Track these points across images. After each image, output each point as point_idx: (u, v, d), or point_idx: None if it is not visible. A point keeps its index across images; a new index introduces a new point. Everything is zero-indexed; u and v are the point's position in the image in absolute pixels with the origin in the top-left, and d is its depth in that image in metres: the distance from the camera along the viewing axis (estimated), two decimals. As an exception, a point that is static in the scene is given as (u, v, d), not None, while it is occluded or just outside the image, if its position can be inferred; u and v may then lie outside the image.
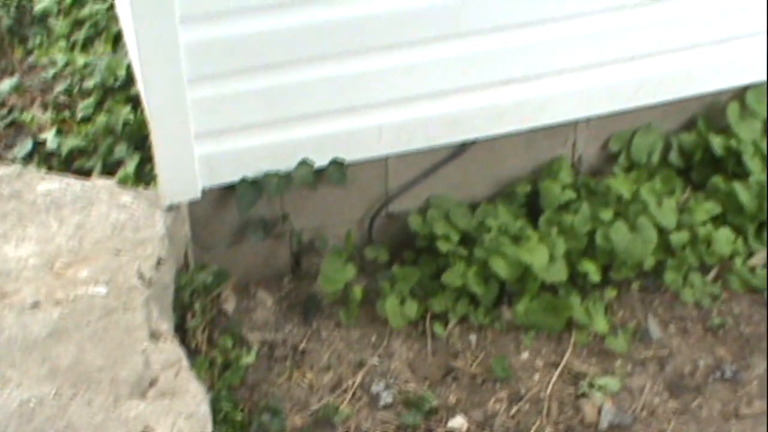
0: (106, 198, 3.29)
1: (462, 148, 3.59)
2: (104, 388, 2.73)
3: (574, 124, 3.70)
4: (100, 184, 3.36)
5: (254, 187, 3.38)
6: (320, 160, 3.43)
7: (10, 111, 4.39)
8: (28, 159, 4.06)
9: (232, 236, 3.55)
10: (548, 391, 3.31)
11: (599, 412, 3.24)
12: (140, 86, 3.24)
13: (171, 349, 2.90)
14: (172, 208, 3.33)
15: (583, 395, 3.29)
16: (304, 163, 3.40)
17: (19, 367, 2.77)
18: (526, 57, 3.44)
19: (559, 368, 3.37)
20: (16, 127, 4.31)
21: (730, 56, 3.68)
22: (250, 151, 3.34)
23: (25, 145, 4.10)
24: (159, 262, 3.12)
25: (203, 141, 3.26)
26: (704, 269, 3.60)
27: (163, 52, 3.05)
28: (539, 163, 3.75)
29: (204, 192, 3.37)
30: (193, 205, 3.43)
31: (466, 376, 3.37)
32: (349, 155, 3.44)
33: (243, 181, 3.37)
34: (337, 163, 3.43)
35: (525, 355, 3.43)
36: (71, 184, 3.33)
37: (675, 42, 3.57)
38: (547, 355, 3.42)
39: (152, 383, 2.79)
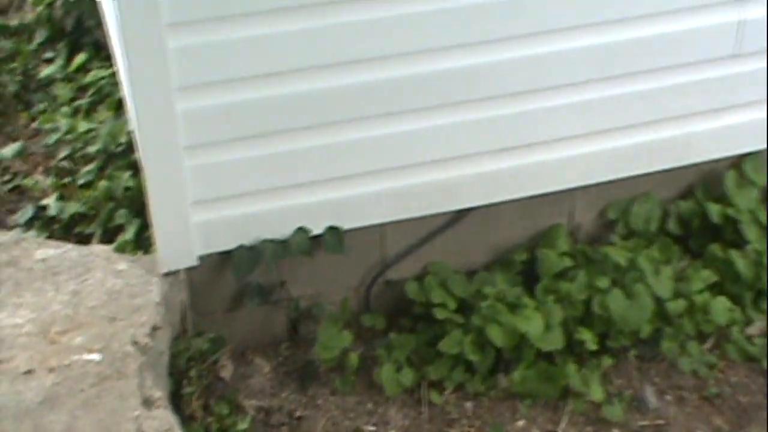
0: (103, 264, 3.31)
1: (459, 215, 3.61)
2: (95, 456, 2.73)
3: (571, 192, 3.71)
4: (96, 250, 3.38)
5: (251, 253, 3.39)
6: (317, 228, 3.44)
7: (13, 176, 4.43)
8: (29, 224, 4.08)
9: (230, 302, 3.55)
10: (544, 460, 3.30)
11: (595, 482, 3.23)
12: (139, 153, 3.26)
13: (164, 416, 2.89)
14: (169, 275, 3.35)
15: (579, 464, 3.28)
16: (300, 230, 3.41)
17: (11, 435, 2.77)
18: (522, 126, 3.47)
19: (556, 437, 3.35)
20: (19, 192, 4.35)
21: (729, 125, 3.70)
22: (246, 219, 3.36)
23: (27, 211, 4.13)
24: (154, 329, 3.13)
25: (200, 208, 3.28)
26: (701, 338, 3.59)
27: (160, 120, 3.10)
28: (537, 230, 3.76)
29: (201, 258, 3.39)
30: (190, 270, 3.44)
31: (462, 444, 3.36)
32: (347, 223, 3.46)
33: (240, 248, 3.38)
34: (333, 230, 3.44)
35: (521, 422, 3.41)
36: (68, 250, 3.35)
37: (673, 111, 3.60)
38: (543, 423, 3.40)
39: (145, 452, 2.79)
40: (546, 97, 3.43)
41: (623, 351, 3.56)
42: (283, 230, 3.41)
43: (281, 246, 3.40)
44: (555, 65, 3.38)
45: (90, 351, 3.01)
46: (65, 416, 2.82)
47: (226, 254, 3.42)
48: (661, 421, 3.39)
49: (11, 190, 4.36)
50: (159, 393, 2.98)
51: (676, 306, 3.54)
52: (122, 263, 3.32)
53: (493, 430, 3.35)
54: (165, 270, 3.33)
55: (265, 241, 3.39)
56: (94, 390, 2.91)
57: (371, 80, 3.23)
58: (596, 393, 3.41)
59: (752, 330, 3.59)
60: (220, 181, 3.27)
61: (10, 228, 4.09)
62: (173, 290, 3.36)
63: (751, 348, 3.54)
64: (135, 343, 3.05)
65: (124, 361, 2.99)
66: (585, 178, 3.64)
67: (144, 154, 3.16)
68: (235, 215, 3.35)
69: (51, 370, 2.94)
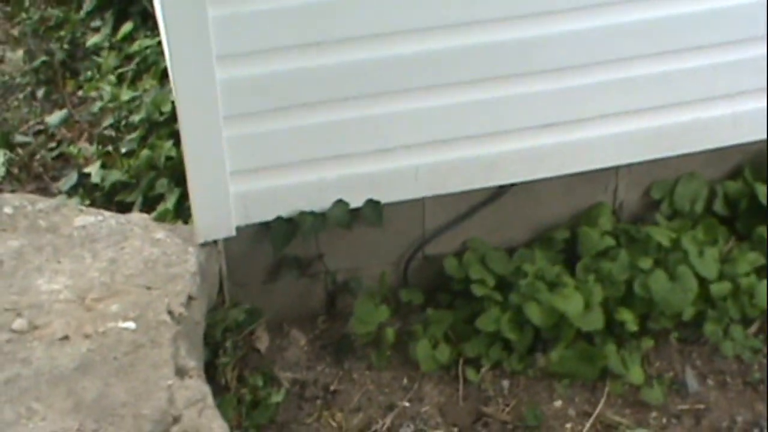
0: (141, 233, 3.30)
1: (500, 191, 3.56)
2: (127, 423, 2.72)
3: (615, 170, 3.65)
4: (135, 219, 3.38)
5: (289, 225, 3.37)
6: (356, 201, 3.41)
7: (59, 143, 4.46)
8: (72, 191, 4.10)
9: (267, 274, 3.54)
10: (580, 441, 3.26)
11: (631, 464, 3.18)
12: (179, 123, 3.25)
13: (196, 387, 2.88)
14: (206, 245, 3.34)
15: (616, 446, 3.23)
16: (339, 202, 3.39)
17: (45, 400, 2.77)
18: (566, 102, 3.40)
19: (592, 418, 3.30)
20: (63, 160, 4.38)
21: (780, 104, 3.62)
22: (285, 190, 3.34)
23: (71, 178, 4.16)
24: (190, 299, 3.12)
25: (238, 179, 3.26)
26: (746, 322, 3.52)
27: (200, 90, 3.07)
28: (579, 208, 3.70)
29: (240, 229, 3.37)
30: (228, 241, 3.43)
31: (497, 422, 3.32)
32: (385, 196, 3.43)
33: (278, 219, 3.37)
34: (372, 204, 3.41)
35: (558, 403, 3.37)
36: (107, 218, 3.35)
37: (721, 89, 3.51)
38: (581, 404, 3.36)
39: (176, 420, 2.77)
40: (590, 73, 3.36)
41: (664, 333, 3.50)
42: (321, 203, 3.39)
43: (320, 218, 3.38)
44: (600, 40, 3.30)
45: (125, 319, 3.01)
46: (99, 383, 2.82)
47: (265, 226, 3.40)
48: (701, 406, 3.34)
49: (56, 158, 4.39)
50: (192, 363, 2.98)
51: (720, 288, 3.47)
52: (160, 232, 3.31)
53: (529, 410, 3.31)
54: (202, 240, 3.32)
55: (304, 213, 3.37)
56: (127, 358, 2.91)
57: (412, 52, 3.18)
58: (635, 375, 3.36)
59: (797, 315, 3.52)
60: (258, 152, 3.25)
61: (54, 195, 4.13)
62: (210, 261, 3.35)
63: (797, 333, 3.47)
64: (170, 312, 3.05)
65: (158, 330, 2.99)
66: (628, 157, 3.57)
67: (183, 123, 3.14)
68: (273, 186, 3.33)
69: (86, 336, 2.95)
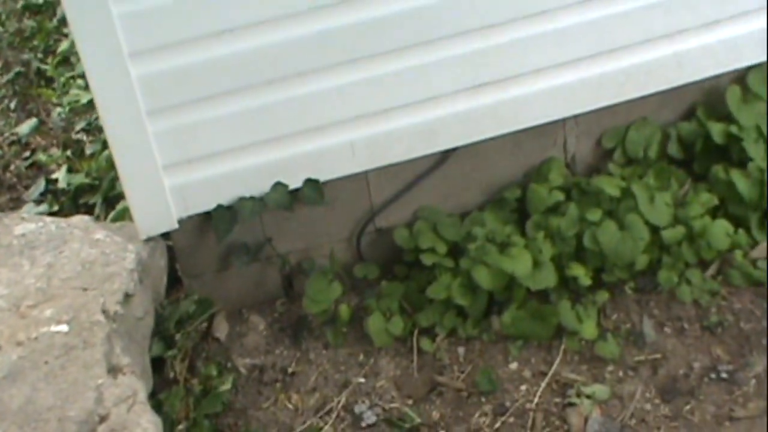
0: (81, 235, 3.33)
1: (444, 156, 3.52)
2: (51, 427, 2.73)
3: (562, 123, 3.58)
4: (75, 221, 3.40)
5: (229, 212, 3.37)
6: (296, 182, 3.40)
7: (32, 152, 4.52)
8: (41, 198, 4.16)
9: (219, 263, 3.55)
10: (534, 402, 3.20)
11: (586, 421, 3.12)
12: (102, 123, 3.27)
13: (128, 384, 2.90)
14: (149, 240, 3.35)
15: (571, 405, 3.16)
16: (278, 185, 3.37)
17: (-30, 411, 2.82)
18: (496, 59, 3.34)
19: (547, 378, 3.25)
20: (37, 168, 4.43)
21: (723, 39, 3.50)
22: (222, 178, 3.34)
23: (39, 186, 4.21)
24: (127, 296, 3.13)
25: (172, 172, 3.27)
26: (703, 266, 3.43)
27: (117, 89, 3.09)
28: (530, 166, 3.64)
29: (184, 221, 3.39)
30: (176, 234, 3.45)
31: (452, 391, 3.28)
32: (324, 174, 3.40)
33: (218, 208, 3.37)
34: (311, 183, 3.39)
35: (513, 365, 3.32)
36: (47, 224, 3.38)
37: (659, 30, 3.42)
38: (536, 364, 3.31)
39: (102, 419, 2.79)
40: (516, 29, 3.29)
41: (620, 285, 3.43)
42: (261, 186, 3.38)
43: (259, 202, 3.37)
44: (523, -7, 3.25)
45: (59, 322, 3.03)
46: (27, 389, 2.84)
47: (208, 215, 3.40)
48: (658, 355, 3.26)
49: (29, 167, 4.45)
50: (127, 360, 2.99)
51: (672, 234, 3.38)
52: (100, 233, 3.34)
53: (483, 375, 3.27)
54: (144, 236, 3.33)
55: (243, 199, 3.36)
56: (59, 361, 2.93)
57: (331, 27, 3.16)
58: (589, 330, 3.29)
59: (756, 253, 3.40)
60: (188, 143, 3.25)
61: (25, 203, 4.20)
62: (154, 255, 3.37)
63: (756, 272, 3.36)
64: (104, 311, 3.06)
65: (91, 331, 3.00)
66: (570, 109, 3.49)
67: (105, 123, 3.15)
68: (209, 176, 3.33)
69: (18, 344, 2.98)
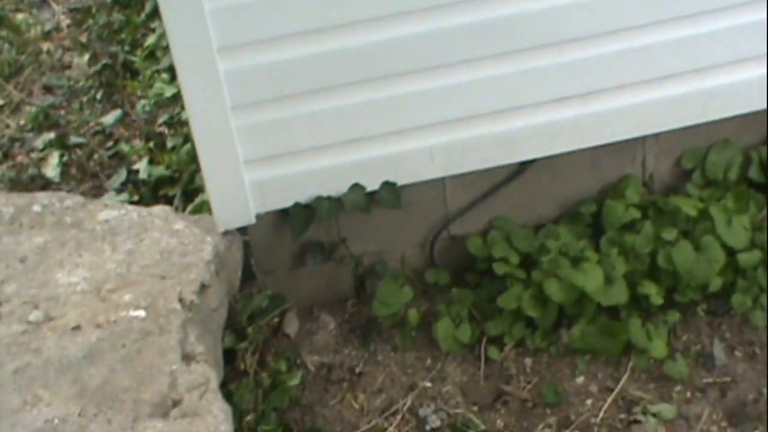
0: (161, 225, 3.39)
1: (521, 168, 3.53)
2: (126, 407, 2.80)
3: (642, 141, 3.57)
4: (156, 211, 3.46)
5: (307, 211, 3.41)
6: (373, 184, 3.43)
7: (115, 143, 4.60)
8: (122, 188, 4.24)
9: (293, 260, 3.60)
10: (599, 417, 3.20)
11: (651, 440, 3.11)
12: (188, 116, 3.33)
13: (201, 371, 2.95)
14: (227, 234, 3.41)
15: (636, 422, 3.16)
16: (356, 186, 3.41)
17: (52, 387, 2.87)
18: (582, 73, 3.34)
19: (613, 394, 3.25)
20: (119, 158, 4.51)
21: (811, 64, 3.47)
22: (301, 177, 3.38)
23: (120, 175, 4.29)
24: (203, 287, 3.19)
25: (253, 167, 3.32)
26: (778, 291, 3.40)
27: (204, 83, 3.14)
28: (607, 182, 3.63)
29: (263, 217, 3.44)
30: (253, 229, 3.50)
31: (517, 401, 3.29)
32: (402, 178, 3.43)
33: (296, 205, 3.41)
34: (389, 186, 3.42)
35: (580, 379, 3.32)
36: (129, 211, 3.44)
37: (745, 52, 3.40)
38: (603, 380, 3.31)
39: (175, 404, 2.85)
40: (602, 44, 3.28)
41: (692, 306, 3.41)
42: (339, 187, 3.41)
43: (336, 203, 3.41)
44: (611, 10, 3.24)
45: (137, 308, 3.09)
46: (104, 370, 2.91)
47: (285, 212, 3.45)
48: (727, 378, 3.24)
49: (112, 157, 4.53)
50: (201, 348, 3.04)
51: (749, 258, 3.36)
52: (179, 223, 3.39)
53: (549, 388, 3.28)
54: (221, 229, 3.39)
55: (320, 198, 3.40)
56: (135, 345, 2.99)
57: (417, 32, 3.17)
58: (658, 349, 3.29)
59: (833, 282, 3.38)
60: (270, 140, 3.30)
61: (106, 192, 4.28)
62: (231, 249, 3.42)
63: (832, 301, 3.33)
64: (181, 300, 3.12)
65: (167, 318, 3.06)
66: (651, 127, 3.48)
67: (191, 116, 3.21)
68: (289, 173, 3.37)
69: (98, 326, 3.05)
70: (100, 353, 2.97)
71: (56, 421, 2.77)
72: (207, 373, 2.97)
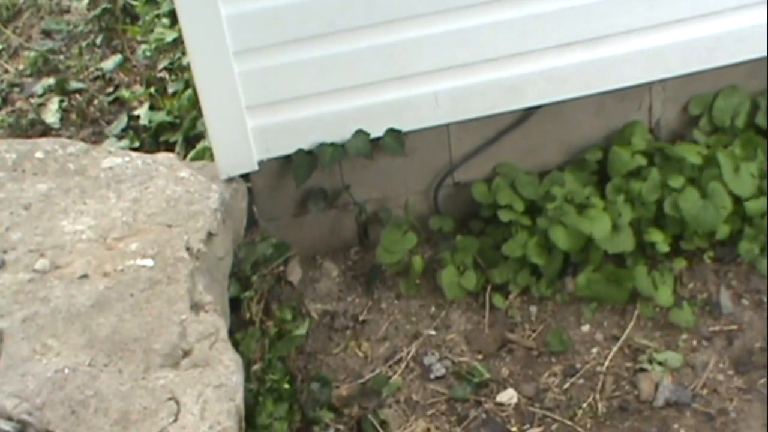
0: (166, 172, 3.35)
1: (526, 114, 3.49)
2: (137, 357, 2.78)
3: (648, 87, 3.53)
4: (160, 158, 3.42)
5: (310, 158, 3.38)
6: (377, 131, 3.39)
7: (116, 88, 4.56)
8: (123, 134, 4.20)
9: (296, 207, 3.57)
10: (605, 365, 3.19)
11: (656, 388, 3.10)
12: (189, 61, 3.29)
13: (210, 321, 2.92)
14: (231, 181, 3.37)
15: (642, 370, 3.15)
16: (359, 132, 3.37)
17: (60, 336, 2.85)
18: (588, 18, 3.29)
19: (619, 342, 3.23)
20: (119, 104, 4.47)
21: (821, 8, 3.42)
22: (304, 123, 3.35)
23: (121, 121, 4.25)
24: (210, 235, 3.15)
25: (255, 113, 3.28)
26: (786, 238, 3.38)
27: (206, 27, 3.10)
28: (613, 128, 3.59)
29: (265, 164, 3.41)
30: (255, 176, 3.47)
31: (522, 349, 3.28)
32: (406, 125, 3.40)
33: (299, 152, 3.38)
34: (393, 133, 3.39)
35: (585, 328, 3.31)
36: (134, 159, 3.41)
37: (754, -4, 3.36)
38: (609, 328, 3.29)
39: (186, 354, 2.82)
40: (610, -13, 3.25)
41: (698, 254, 3.39)
42: (342, 133, 3.38)
43: (340, 149, 3.38)
44: (618, -47, 3.20)
45: (144, 257, 3.06)
46: (113, 319, 2.89)
47: (288, 159, 3.42)
48: (734, 327, 3.23)
49: (112, 102, 4.49)
50: (209, 298, 3.01)
51: (757, 205, 3.33)
52: (184, 171, 3.36)
53: (554, 336, 3.26)
54: (224, 176, 3.36)
55: (323, 145, 3.37)
56: (144, 294, 2.96)
57: (422, -24, 3.14)
58: (664, 297, 3.27)
59: (841, 229, 3.35)
60: (273, 86, 3.26)
61: (107, 138, 4.25)
62: (237, 197, 3.39)
63: (840, 248, 3.31)
64: (188, 249, 3.09)
65: (175, 267, 3.03)
66: (658, 73, 3.44)
67: (193, 60, 3.17)
68: (292, 119, 3.34)
69: (105, 274, 3.02)
70: (108, 302, 2.94)
71: (66, 370, 2.74)
72: (216, 322, 2.94)
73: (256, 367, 3.14)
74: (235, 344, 3.10)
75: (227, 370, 2.81)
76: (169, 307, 2.94)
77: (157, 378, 2.75)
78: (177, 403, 2.66)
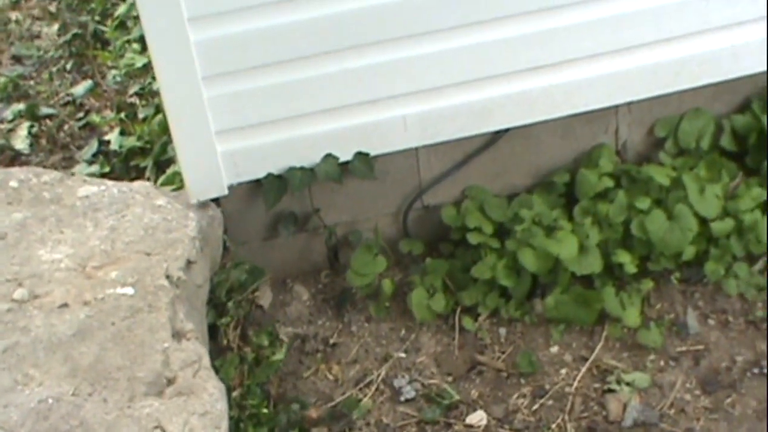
0: (142, 200, 3.34)
1: (495, 137, 3.52)
2: (121, 386, 2.75)
3: (615, 110, 3.57)
4: (136, 186, 3.41)
5: (279, 182, 3.40)
6: (347, 154, 3.41)
7: (86, 113, 4.56)
8: (93, 159, 4.20)
9: (266, 231, 3.58)
10: (574, 386, 3.21)
11: (624, 408, 3.12)
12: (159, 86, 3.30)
13: (193, 348, 2.90)
14: (207, 209, 3.37)
15: (610, 391, 3.17)
16: (328, 156, 3.39)
17: (42, 366, 2.82)
18: (554, 42, 3.33)
19: (588, 363, 3.26)
20: (90, 129, 4.47)
21: (782, 32, 3.47)
22: (273, 147, 3.36)
23: (91, 147, 4.25)
24: (189, 263, 3.15)
25: (225, 138, 3.30)
26: (751, 259, 3.41)
27: (175, 52, 3.11)
28: (580, 151, 3.63)
29: (235, 188, 3.42)
30: (225, 200, 3.48)
31: (492, 370, 3.30)
32: (375, 148, 3.42)
33: (268, 176, 3.39)
34: (362, 156, 3.41)
35: (554, 349, 3.33)
36: (109, 187, 3.39)
37: (715, 21, 3.39)
38: (578, 349, 3.32)
39: (170, 382, 2.80)
40: (574, 13, 3.28)
41: (666, 274, 3.42)
42: (312, 157, 3.40)
43: (309, 173, 3.39)
44: (583, -22, 3.24)
45: (124, 285, 3.04)
46: (95, 348, 2.86)
47: (258, 183, 3.43)
48: (700, 347, 3.26)
49: (82, 127, 4.49)
50: (190, 326, 2.99)
51: (722, 226, 3.37)
52: (161, 199, 3.35)
53: (523, 357, 3.28)
54: (194, 200, 3.36)
55: (293, 169, 3.39)
56: (125, 323, 2.94)
57: (388, 2, 3.16)
58: (632, 318, 3.30)
59: (805, 250, 3.39)
60: (242, 111, 3.28)
61: (77, 163, 4.24)
62: (213, 224, 3.39)
63: (804, 269, 3.35)
64: (168, 276, 3.07)
65: (156, 295, 3.01)
66: (624, 96, 3.48)
67: (162, 85, 3.18)
68: (261, 144, 3.35)
69: (85, 303, 2.99)
70: (90, 331, 2.91)
71: (50, 400, 2.70)
72: (198, 350, 2.92)
73: (235, 394, 3.13)
74: (215, 371, 3.10)
75: (211, 398, 2.79)
76: (152, 336, 2.92)
77: (143, 407, 2.72)
78: (163, 431, 2.65)
